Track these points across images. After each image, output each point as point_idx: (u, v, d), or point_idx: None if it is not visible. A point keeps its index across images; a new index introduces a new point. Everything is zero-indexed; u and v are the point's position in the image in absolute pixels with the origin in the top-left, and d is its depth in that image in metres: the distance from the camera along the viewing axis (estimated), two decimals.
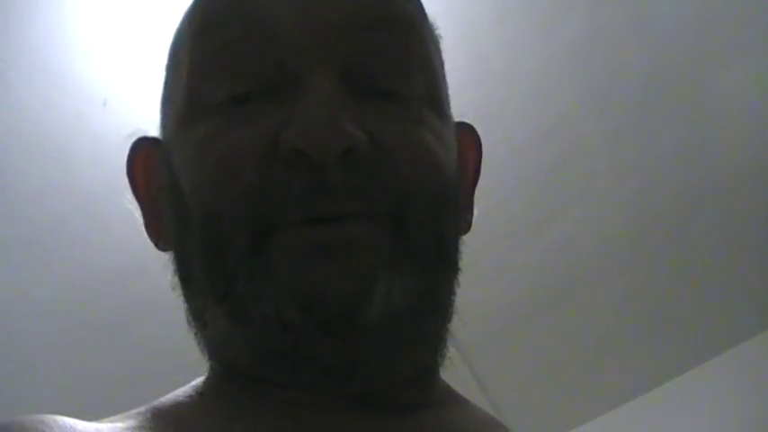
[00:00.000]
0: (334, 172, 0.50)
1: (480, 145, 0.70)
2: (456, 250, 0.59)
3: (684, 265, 2.57)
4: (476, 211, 0.67)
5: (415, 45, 0.59)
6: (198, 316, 0.57)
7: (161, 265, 0.61)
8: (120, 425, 0.53)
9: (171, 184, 0.58)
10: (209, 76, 0.57)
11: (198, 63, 0.58)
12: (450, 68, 0.66)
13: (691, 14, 1.97)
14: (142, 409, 0.56)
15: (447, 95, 0.63)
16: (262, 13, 0.56)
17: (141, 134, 0.66)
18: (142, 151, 0.65)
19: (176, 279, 0.59)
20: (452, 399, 0.63)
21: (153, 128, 0.65)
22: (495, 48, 1.95)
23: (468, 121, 0.70)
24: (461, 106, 0.68)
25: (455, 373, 0.62)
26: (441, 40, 0.65)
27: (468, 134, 0.69)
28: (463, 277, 0.60)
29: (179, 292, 0.59)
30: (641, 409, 2.90)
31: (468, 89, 1.93)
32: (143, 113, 1.76)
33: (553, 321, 2.64)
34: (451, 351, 0.61)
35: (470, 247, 0.63)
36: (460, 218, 0.61)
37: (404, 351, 0.54)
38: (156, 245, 0.62)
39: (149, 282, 1.93)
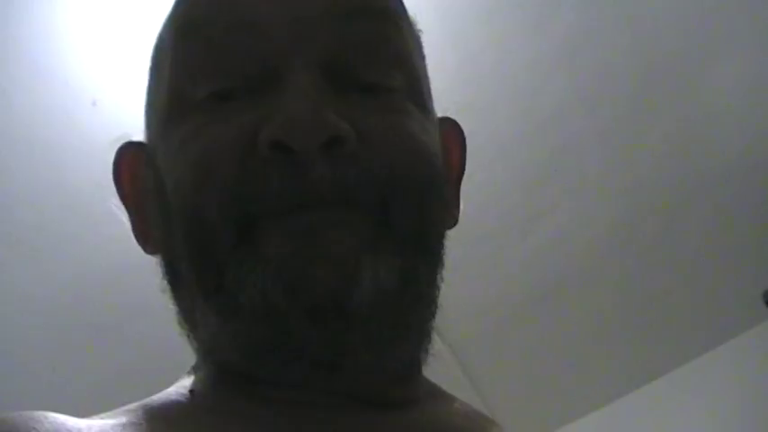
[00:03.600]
0: (317, 165, 0.50)
1: (464, 140, 0.70)
2: (440, 241, 0.58)
3: (676, 260, 2.58)
4: (463, 207, 0.67)
5: (395, 37, 0.60)
6: (188, 317, 0.58)
7: (152, 264, 0.61)
8: (110, 421, 0.53)
9: (156, 184, 0.58)
10: (190, 75, 0.57)
11: (180, 63, 0.58)
12: (440, 66, 0.66)
13: (679, 10, 1.98)
14: (133, 406, 0.56)
15: (429, 90, 0.63)
16: (242, 11, 0.56)
17: (127, 139, 0.66)
18: (128, 156, 0.65)
19: (165, 282, 0.59)
20: (437, 394, 0.63)
21: (141, 129, 0.65)
22: (484, 45, 1.95)
23: (457, 117, 0.70)
24: (451, 104, 0.68)
25: (446, 369, 0.63)
26: (422, 35, 0.65)
27: (451, 129, 0.69)
28: (454, 274, 0.60)
29: (169, 294, 0.59)
30: (633, 406, 2.91)
31: (457, 87, 1.94)
32: (132, 113, 1.75)
33: (544, 318, 2.64)
34: (442, 347, 0.61)
35: (462, 243, 0.63)
36: (446, 209, 0.61)
37: (389, 341, 0.54)
38: (145, 249, 0.63)
39: (141, 281, 1.92)
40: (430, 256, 0.57)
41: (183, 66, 0.57)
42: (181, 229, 0.54)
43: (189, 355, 0.61)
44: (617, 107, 2.15)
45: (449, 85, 1.85)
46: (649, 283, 2.63)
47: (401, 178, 0.54)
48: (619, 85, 2.11)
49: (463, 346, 2.49)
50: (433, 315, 0.59)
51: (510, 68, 2.01)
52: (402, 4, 0.63)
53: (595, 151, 2.25)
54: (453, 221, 0.65)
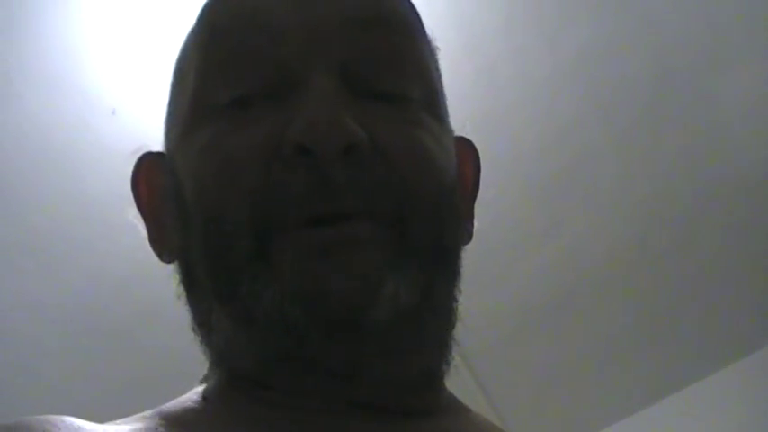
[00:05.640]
0: (336, 169, 0.50)
1: (478, 160, 0.70)
2: (456, 254, 0.59)
3: (690, 273, 2.57)
4: (477, 223, 0.67)
5: (413, 49, 0.60)
6: (203, 322, 0.58)
7: (165, 273, 0.61)
8: (126, 427, 0.53)
9: (175, 191, 0.58)
10: (212, 83, 0.57)
11: (202, 71, 0.58)
12: (457, 76, 0.66)
13: (696, 21, 1.97)
14: (148, 413, 0.56)
15: (445, 103, 0.64)
16: (263, 19, 0.57)
17: (146, 149, 0.66)
18: (146, 165, 0.66)
19: (181, 287, 0.59)
20: (456, 407, 0.63)
21: (159, 138, 0.66)
22: (502, 55, 1.95)
23: (470, 131, 0.70)
24: (468, 114, 0.68)
25: (459, 380, 0.63)
26: (438, 50, 0.65)
27: (465, 148, 0.68)
28: (468, 285, 0.60)
29: (183, 300, 0.60)
30: (646, 421, 2.88)
31: (474, 97, 1.94)
32: (151, 123, 1.77)
33: (558, 330, 2.63)
34: (455, 358, 0.61)
35: (476, 254, 0.63)
36: (460, 223, 0.61)
37: (407, 354, 0.54)
38: (161, 257, 0.63)
39: (153, 289, 1.93)
40: (447, 270, 0.57)
41: (205, 73, 0.58)
42: (200, 235, 0.54)
43: (201, 364, 0.61)
44: (632, 118, 2.15)
45: (465, 95, 1.85)
46: (663, 295, 2.61)
47: (415, 190, 0.54)
48: (634, 97, 2.11)
49: (476, 356, 2.48)
50: (452, 327, 0.59)
51: (526, 80, 2.01)
52: (419, 18, 0.63)
53: (610, 162, 2.25)
54: (468, 237, 0.65)
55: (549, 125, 2.12)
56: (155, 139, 0.67)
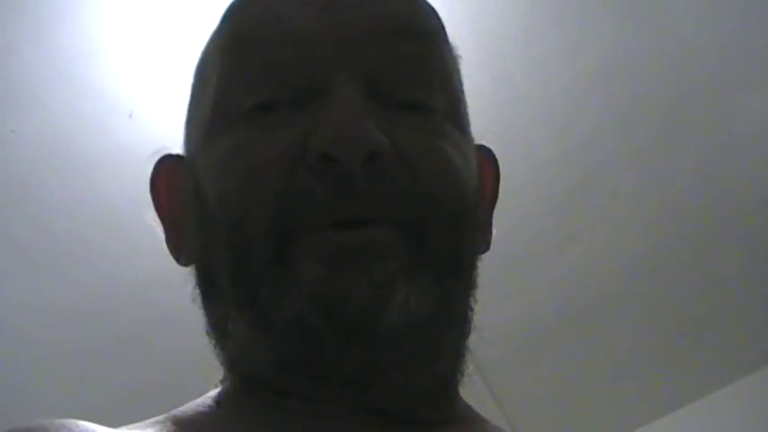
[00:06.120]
0: (360, 176, 0.51)
1: (498, 169, 0.70)
2: (473, 265, 0.59)
3: (706, 288, 2.55)
4: (494, 232, 0.67)
5: (437, 58, 0.60)
6: (218, 326, 0.58)
7: (181, 278, 0.61)
8: None
9: (195, 194, 0.58)
10: (236, 87, 0.57)
11: (225, 76, 0.58)
12: (475, 88, 0.66)
13: (715, 36, 1.97)
14: (161, 417, 0.56)
15: (467, 112, 0.64)
16: (288, 26, 0.57)
17: (165, 152, 0.66)
18: (165, 168, 0.66)
19: (197, 291, 0.59)
20: (471, 416, 0.63)
21: (177, 142, 0.66)
22: (520, 67, 1.95)
23: (489, 141, 0.70)
24: (486, 125, 0.68)
25: (473, 391, 0.62)
26: (460, 61, 0.65)
27: (486, 157, 0.68)
28: (484, 296, 0.60)
29: (198, 304, 0.60)
30: None
31: (492, 108, 1.94)
32: (168, 126, 1.78)
33: (572, 342, 2.62)
34: (470, 369, 0.61)
35: (491, 265, 0.63)
36: (479, 233, 0.61)
37: (421, 363, 0.54)
38: (178, 260, 0.63)
39: (169, 294, 1.94)
40: (464, 281, 0.57)
41: (228, 78, 0.58)
42: (221, 240, 0.54)
43: (215, 369, 0.61)
44: (650, 133, 2.14)
45: (483, 106, 1.84)
46: (679, 310, 2.60)
47: (437, 200, 0.54)
48: (652, 111, 2.10)
49: (491, 368, 2.48)
50: (466, 336, 0.59)
51: (545, 92, 2.01)
52: (443, 27, 0.63)
53: (627, 176, 2.24)
54: (486, 247, 0.65)
55: (566, 138, 2.12)
56: (172, 143, 0.67)
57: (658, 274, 2.49)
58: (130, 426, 0.55)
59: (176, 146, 0.66)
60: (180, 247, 0.63)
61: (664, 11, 1.91)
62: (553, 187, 2.22)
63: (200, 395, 0.60)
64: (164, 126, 1.82)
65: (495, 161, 0.70)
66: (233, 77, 0.58)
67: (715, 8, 1.92)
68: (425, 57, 0.59)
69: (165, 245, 0.64)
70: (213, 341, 0.59)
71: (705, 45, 1.98)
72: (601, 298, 2.52)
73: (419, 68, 0.58)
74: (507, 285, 2.33)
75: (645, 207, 2.31)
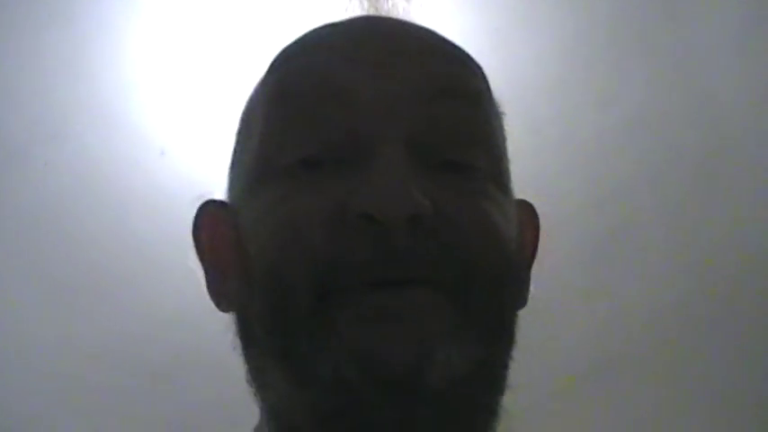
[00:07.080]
0: (401, 238, 0.51)
1: (538, 225, 0.71)
2: (514, 324, 0.60)
3: (737, 343, 2.52)
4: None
5: (481, 119, 0.60)
6: (257, 377, 0.58)
7: (209, 319, 0.62)
8: None
9: (238, 244, 0.58)
10: (281, 141, 0.57)
11: (269, 129, 0.59)
12: (507, 136, 0.66)
13: (748, 90, 1.96)
14: None
15: (509, 169, 0.64)
16: (337, 83, 0.57)
17: (208, 197, 0.67)
18: (208, 213, 0.66)
19: (237, 339, 0.60)
20: None
21: (206, 179, 0.66)
22: (551, 117, 1.95)
23: (520, 188, 0.69)
24: (515, 174, 0.68)
25: None
26: (504, 117, 0.65)
27: (527, 212, 0.69)
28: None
29: (239, 352, 0.60)
30: None
31: (522, 157, 1.91)
32: (199, 163, 1.79)
33: (598, 395, 2.59)
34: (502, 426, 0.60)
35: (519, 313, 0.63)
36: (520, 293, 0.62)
37: (459, 420, 0.54)
38: (219, 305, 0.63)
39: (197, 332, 1.95)
40: (506, 340, 0.58)
41: (272, 131, 0.58)
42: (260, 292, 0.55)
43: (242, 410, 0.61)
44: (682, 186, 2.13)
45: (513, 155, 1.85)
46: (708, 364, 2.57)
47: (479, 262, 0.54)
48: (684, 164, 2.09)
49: (515, 417, 2.45)
50: (502, 393, 0.59)
51: (576, 142, 2.01)
52: (488, 85, 0.63)
53: (658, 229, 2.23)
54: (524, 303, 0.66)
55: (596, 188, 2.11)
56: (202, 180, 0.67)
57: (687, 328, 2.46)
58: None
59: (205, 184, 0.66)
60: (221, 293, 0.63)
61: (697, 64, 1.91)
62: (581, 239, 2.21)
63: None
64: (194, 164, 1.84)
65: (536, 217, 0.71)
66: (277, 129, 0.58)
67: (748, 62, 1.92)
68: (469, 117, 0.59)
69: (195, 285, 0.65)
70: (253, 390, 0.59)
71: (738, 98, 1.98)
72: (628, 351, 2.49)
73: (463, 129, 0.58)
74: (533, 335, 2.31)
75: (675, 260, 2.29)
